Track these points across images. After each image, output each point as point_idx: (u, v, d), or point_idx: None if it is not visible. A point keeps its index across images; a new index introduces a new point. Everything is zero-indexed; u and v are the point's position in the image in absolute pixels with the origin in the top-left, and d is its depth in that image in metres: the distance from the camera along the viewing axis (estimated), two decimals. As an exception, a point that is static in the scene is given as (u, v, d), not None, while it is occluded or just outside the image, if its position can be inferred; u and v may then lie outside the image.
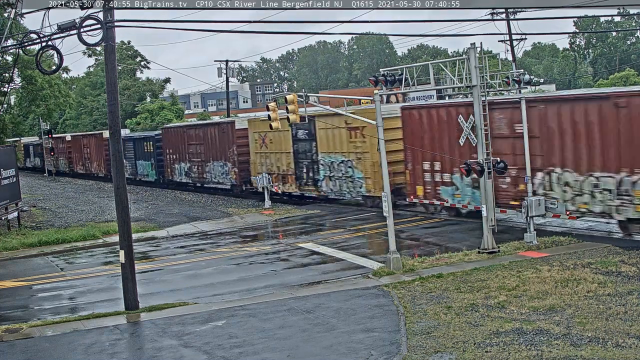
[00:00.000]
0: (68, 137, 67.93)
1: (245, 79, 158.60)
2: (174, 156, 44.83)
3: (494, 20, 45.81)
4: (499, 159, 19.75)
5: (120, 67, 70.38)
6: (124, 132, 59.92)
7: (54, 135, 71.14)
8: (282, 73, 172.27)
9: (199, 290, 18.56)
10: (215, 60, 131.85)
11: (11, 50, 30.23)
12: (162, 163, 46.60)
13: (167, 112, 66.45)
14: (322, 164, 31.32)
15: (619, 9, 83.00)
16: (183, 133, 43.82)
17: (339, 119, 28.55)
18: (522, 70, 22.53)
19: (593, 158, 20.09)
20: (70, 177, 64.84)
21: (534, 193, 21.19)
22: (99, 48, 31.86)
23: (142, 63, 76.82)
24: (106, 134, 55.12)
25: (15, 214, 31.78)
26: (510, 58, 49.09)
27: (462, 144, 22.45)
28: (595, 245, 19.59)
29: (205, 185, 42.85)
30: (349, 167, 29.62)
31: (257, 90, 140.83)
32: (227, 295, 17.63)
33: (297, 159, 33.13)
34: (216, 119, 41.60)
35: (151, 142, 47.83)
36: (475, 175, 19.34)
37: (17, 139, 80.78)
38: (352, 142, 29.26)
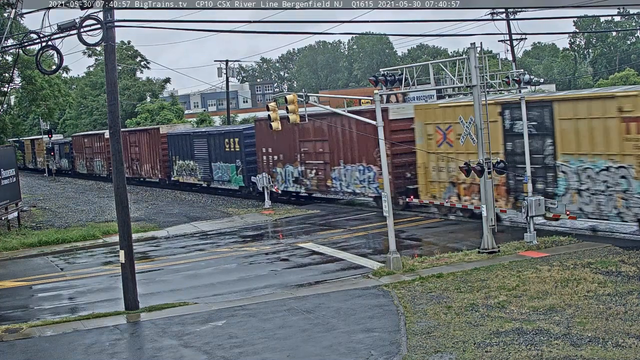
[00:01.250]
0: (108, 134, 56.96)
1: (245, 79, 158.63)
2: (275, 157, 35.25)
3: (493, 20, 45.82)
4: (498, 159, 19.75)
5: (120, 67, 70.25)
6: (184, 128, 49.62)
7: (87, 133, 61.62)
8: (282, 73, 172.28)
9: (199, 290, 18.56)
10: (215, 60, 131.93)
11: (11, 50, 30.23)
12: (254, 166, 36.87)
13: (167, 112, 66.40)
14: (563, 171, 21.80)
15: (619, 9, 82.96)
16: (293, 126, 33.34)
17: (602, 105, 20.50)
18: (522, 70, 22.48)
19: None
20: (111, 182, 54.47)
21: None
22: (99, 48, 31.91)
23: (142, 63, 76.79)
24: (164, 129, 46.97)
25: (15, 214, 31.79)
26: (510, 58, 49.07)
27: (462, 143, 22.37)
28: (595, 245, 19.59)
29: (329, 195, 33.22)
30: (622, 177, 20.16)
31: (257, 90, 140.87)
32: (227, 295, 17.64)
33: (513, 163, 23.20)
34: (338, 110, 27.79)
35: (237, 139, 37.86)
36: None
37: (39, 137, 72.94)
38: (630, 139, 20.03)
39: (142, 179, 49.89)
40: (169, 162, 45.95)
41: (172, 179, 46.10)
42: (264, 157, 36.19)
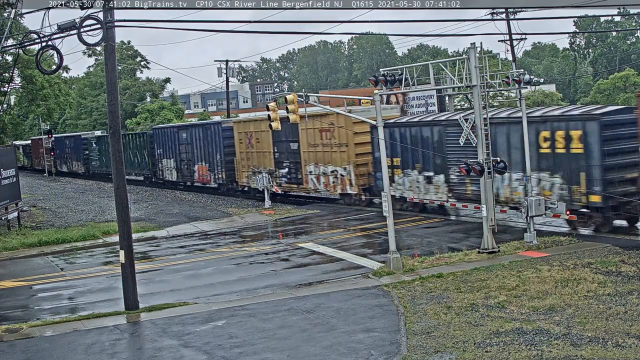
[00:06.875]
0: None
1: (245, 79, 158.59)
2: None
3: (493, 20, 45.82)
4: (499, 159, 19.75)
5: (120, 67, 70.21)
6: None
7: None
8: (282, 73, 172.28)
9: (199, 290, 18.56)
10: (215, 60, 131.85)
11: (11, 50, 30.23)
12: None
13: (167, 112, 66.39)
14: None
15: (619, 9, 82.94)
16: None
17: None
18: (522, 70, 22.49)
19: None
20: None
21: None
22: (99, 48, 31.87)
23: (142, 63, 76.77)
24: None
25: (15, 214, 31.77)
26: (510, 58, 49.04)
27: (462, 144, 22.37)
28: (595, 245, 19.59)
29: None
30: None
31: (257, 90, 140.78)
32: (227, 295, 17.64)
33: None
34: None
35: None
36: None
37: (250, 114, 51.61)
38: None
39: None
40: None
41: None
42: None
